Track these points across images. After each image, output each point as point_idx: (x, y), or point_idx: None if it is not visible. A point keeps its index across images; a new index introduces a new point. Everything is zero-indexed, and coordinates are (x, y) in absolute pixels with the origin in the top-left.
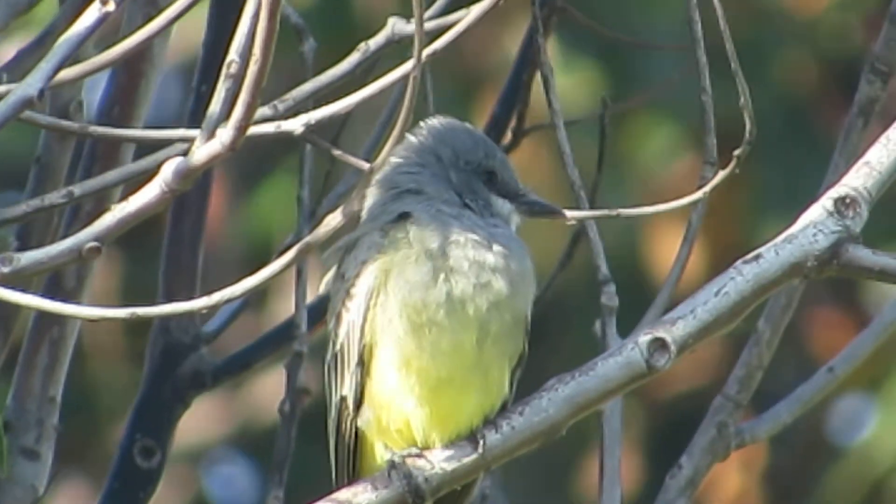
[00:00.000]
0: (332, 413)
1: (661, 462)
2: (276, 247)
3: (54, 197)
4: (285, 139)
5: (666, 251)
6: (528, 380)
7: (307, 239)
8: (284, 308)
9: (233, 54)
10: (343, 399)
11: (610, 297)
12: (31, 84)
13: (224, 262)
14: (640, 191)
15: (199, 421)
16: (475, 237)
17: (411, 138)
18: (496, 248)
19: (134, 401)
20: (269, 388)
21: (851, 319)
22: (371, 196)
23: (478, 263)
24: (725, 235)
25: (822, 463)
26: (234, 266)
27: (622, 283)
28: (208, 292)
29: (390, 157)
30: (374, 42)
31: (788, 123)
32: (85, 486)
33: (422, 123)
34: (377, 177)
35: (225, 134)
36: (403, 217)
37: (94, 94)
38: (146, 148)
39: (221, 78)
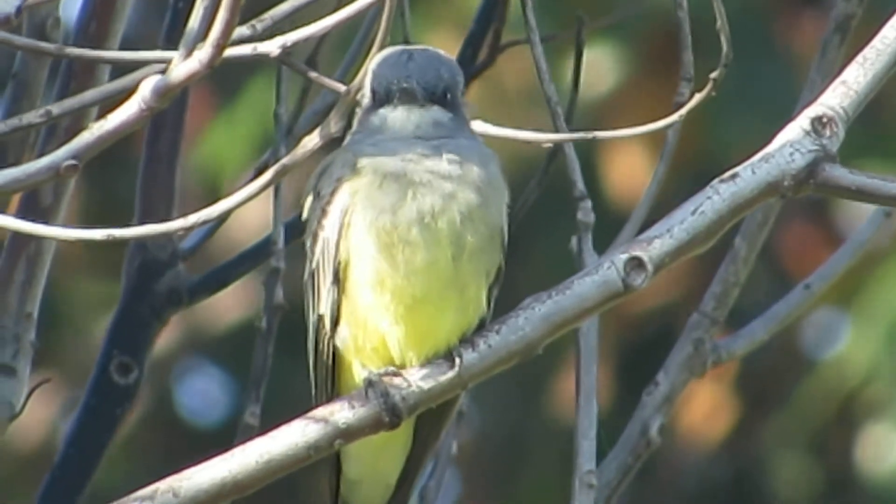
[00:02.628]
0: (310, 332)
1: (633, 378)
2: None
3: (32, 116)
4: (261, 61)
5: (624, 168)
6: (502, 298)
7: (284, 160)
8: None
9: None
10: (320, 318)
11: (586, 213)
12: (8, 1)
13: (192, 182)
14: (593, 109)
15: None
16: (422, 150)
17: None
18: (447, 156)
19: (110, 316)
20: (236, 297)
21: (827, 237)
22: None
23: (435, 174)
24: (686, 149)
25: (795, 376)
26: (200, 188)
27: None
28: (185, 214)
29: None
30: None
31: (750, 33)
32: (61, 402)
33: None
34: None
35: (203, 52)
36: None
37: (71, 11)
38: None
39: None
